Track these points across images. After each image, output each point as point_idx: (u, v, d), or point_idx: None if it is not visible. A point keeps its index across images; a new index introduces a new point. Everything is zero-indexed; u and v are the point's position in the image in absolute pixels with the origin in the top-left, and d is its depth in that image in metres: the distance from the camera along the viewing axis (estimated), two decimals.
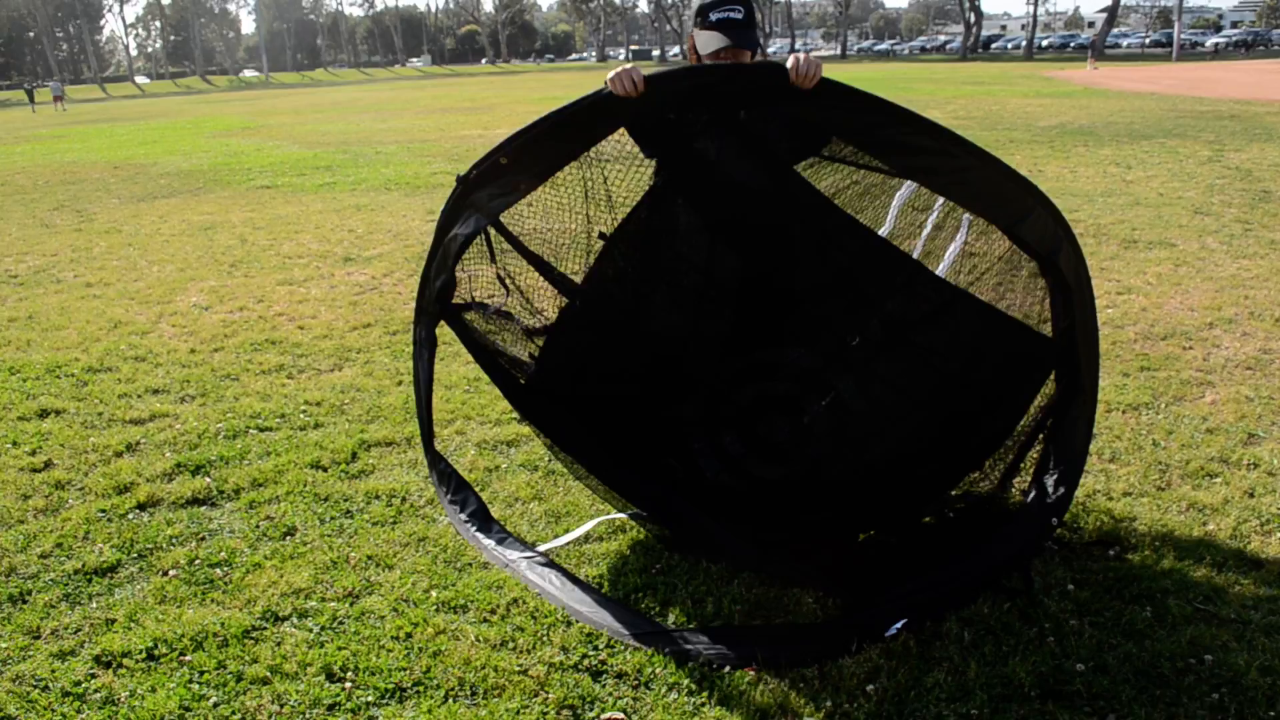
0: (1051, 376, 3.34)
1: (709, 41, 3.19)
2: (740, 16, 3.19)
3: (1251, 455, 4.06)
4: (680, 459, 3.49)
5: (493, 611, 3.11)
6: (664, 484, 3.40)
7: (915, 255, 3.43)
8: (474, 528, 3.54)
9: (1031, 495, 3.38)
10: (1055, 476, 3.34)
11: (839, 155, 3.24)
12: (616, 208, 3.43)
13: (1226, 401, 4.64)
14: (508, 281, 3.53)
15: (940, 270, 3.40)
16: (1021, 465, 3.45)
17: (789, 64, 2.88)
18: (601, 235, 3.48)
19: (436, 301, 3.47)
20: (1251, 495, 3.74)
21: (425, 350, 3.59)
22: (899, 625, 2.92)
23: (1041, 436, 3.39)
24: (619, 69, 2.99)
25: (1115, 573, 3.21)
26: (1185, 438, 4.26)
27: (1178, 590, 3.12)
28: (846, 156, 3.22)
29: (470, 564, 3.40)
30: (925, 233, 3.44)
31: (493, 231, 3.45)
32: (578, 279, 3.56)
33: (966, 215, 3.29)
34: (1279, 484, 3.82)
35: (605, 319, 3.55)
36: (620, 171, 3.41)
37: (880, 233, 3.37)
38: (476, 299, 3.52)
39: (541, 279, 3.54)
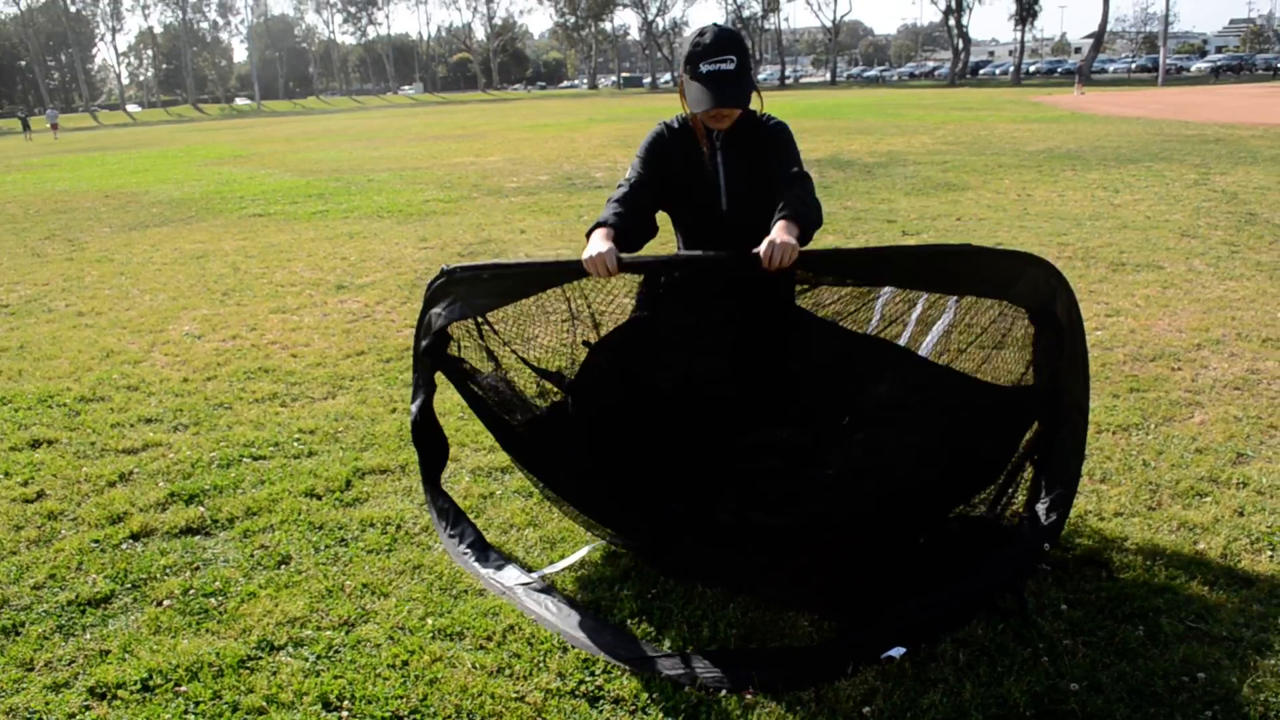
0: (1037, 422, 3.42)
1: (698, 97, 3.13)
2: (732, 68, 3.10)
3: (1241, 474, 4.09)
4: (679, 501, 3.52)
5: (489, 638, 3.11)
6: (657, 518, 3.43)
7: (903, 340, 3.45)
8: (472, 558, 3.55)
9: (1024, 520, 3.45)
10: (1047, 503, 3.41)
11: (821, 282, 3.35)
12: (601, 325, 3.46)
13: (1215, 421, 4.67)
14: (497, 359, 3.56)
15: (927, 344, 3.43)
16: (1013, 491, 3.48)
17: (762, 252, 2.94)
18: (586, 343, 3.46)
19: (427, 355, 3.51)
20: (1241, 514, 3.76)
21: (422, 393, 3.60)
22: (899, 652, 2.93)
23: (1031, 464, 3.45)
24: (595, 253, 3.00)
25: (1108, 592, 3.23)
26: (1175, 458, 4.28)
27: (1170, 609, 3.14)
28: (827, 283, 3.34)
29: (466, 591, 3.41)
30: (914, 315, 3.46)
31: (473, 323, 3.49)
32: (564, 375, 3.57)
33: (953, 299, 3.33)
34: (1268, 502, 3.85)
35: (595, 409, 3.55)
36: (602, 300, 3.44)
37: (869, 328, 3.42)
38: (469, 367, 3.54)
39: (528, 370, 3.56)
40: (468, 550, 3.60)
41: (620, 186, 3.35)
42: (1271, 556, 3.44)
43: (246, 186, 17.30)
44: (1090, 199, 11.72)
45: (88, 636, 3.24)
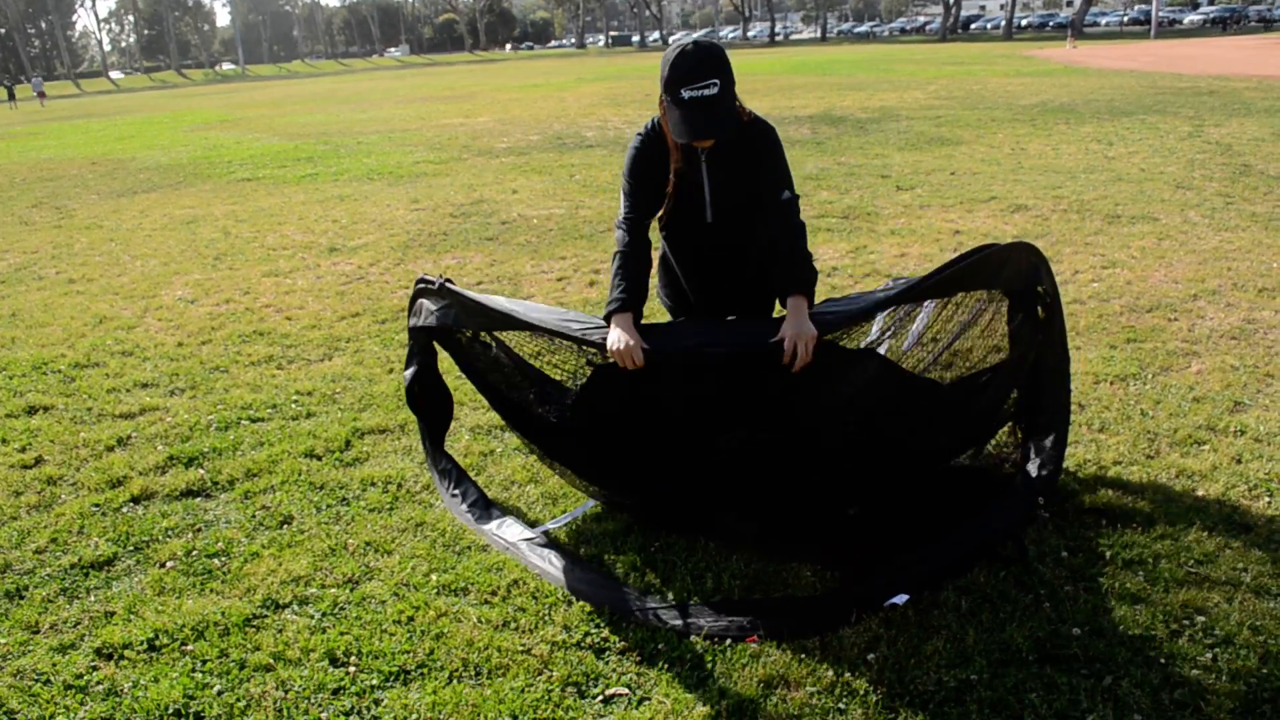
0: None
1: (680, 128, 2.97)
2: (714, 93, 2.91)
3: (1238, 422, 4.11)
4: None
5: (494, 593, 3.13)
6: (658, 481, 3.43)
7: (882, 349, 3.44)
8: (474, 517, 3.56)
9: (1019, 474, 3.53)
10: (1038, 462, 3.50)
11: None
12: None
13: (1212, 371, 4.68)
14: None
15: (907, 343, 3.47)
16: (1005, 445, 3.59)
17: (786, 346, 2.89)
18: (590, 362, 3.34)
19: (420, 332, 3.53)
20: (1239, 461, 3.78)
21: (416, 361, 3.59)
22: (902, 599, 2.95)
23: (1017, 428, 3.61)
24: (622, 346, 2.93)
25: (1108, 539, 3.25)
26: (1173, 407, 4.30)
27: (1170, 555, 3.16)
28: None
29: (469, 547, 3.41)
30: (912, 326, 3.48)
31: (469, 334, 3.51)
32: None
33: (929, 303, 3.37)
34: (1265, 449, 3.86)
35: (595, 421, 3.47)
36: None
37: (867, 341, 3.40)
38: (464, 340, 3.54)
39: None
40: (470, 509, 3.60)
41: (619, 227, 3.21)
42: (1269, 502, 3.47)
43: (234, 151, 17.14)
44: (1084, 152, 11.67)
45: (92, 599, 3.25)
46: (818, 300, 3.14)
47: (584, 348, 3.16)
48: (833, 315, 3.06)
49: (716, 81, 2.91)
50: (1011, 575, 3.06)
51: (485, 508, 3.61)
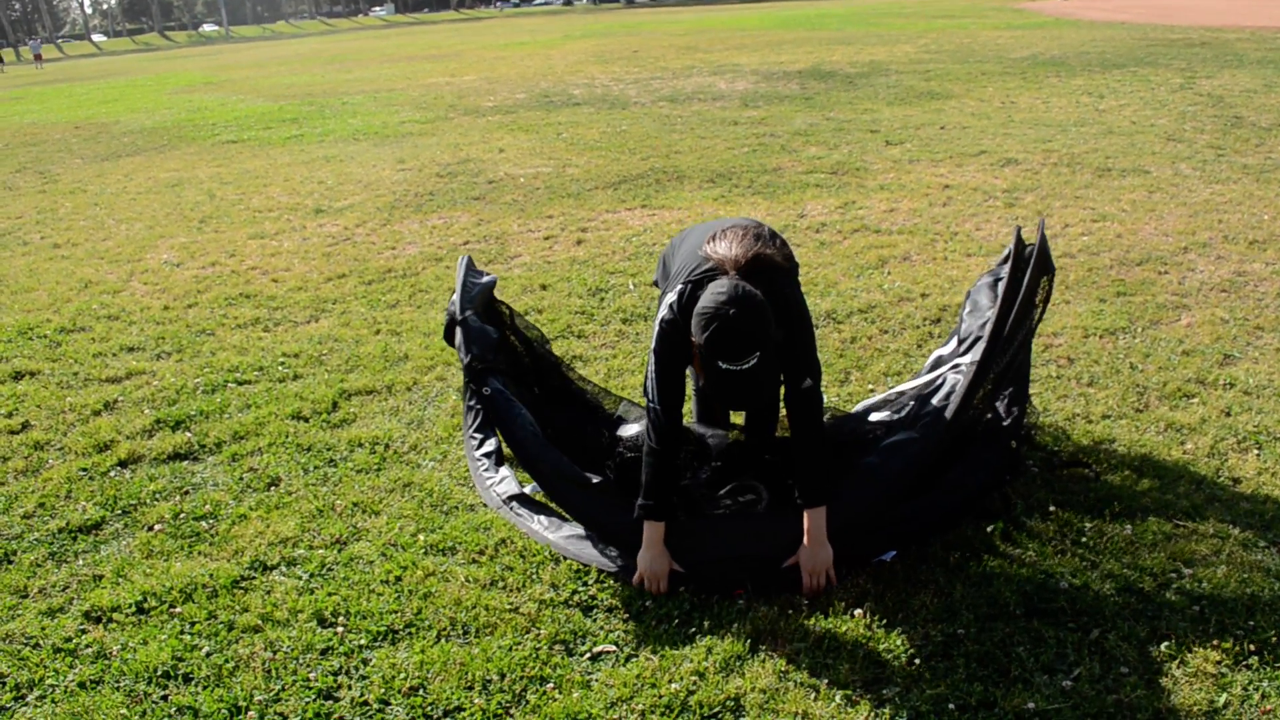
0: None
1: (714, 391, 2.74)
2: (753, 365, 2.63)
3: (1228, 375, 4.10)
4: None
5: (481, 552, 3.12)
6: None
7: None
8: (483, 466, 3.52)
9: (990, 419, 3.41)
10: (1005, 401, 3.38)
11: None
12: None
13: (1202, 324, 4.67)
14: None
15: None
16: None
17: (805, 581, 2.84)
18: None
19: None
20: (1228, 414, 3.78)
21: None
22: (890, 555, 2.95)
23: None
24: (651, 572, 2.89)
25: (1096, 493, 3.25)
26: (1162, 360, 4.29)
27: (1158, 508, 3.16)
28: None
29: (457, 507, 3.41)
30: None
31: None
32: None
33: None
34: (1255, 402, 3.86)
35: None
36: None
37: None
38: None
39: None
40: (483, 458, 3.55)
41: (655, 416, 2.95)
42: (1259, 455, 3.47)
43: (218, 113, 16.94)
44: (1075, 105, 11.59)
45: (80, 563, 3.24)
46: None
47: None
48: (864, 501, 3.00)
49: (758, 354, 2.64)
50: (999, 529, 3.06)
51: (498, 462, 3.54)
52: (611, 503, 3.10)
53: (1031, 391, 3.99)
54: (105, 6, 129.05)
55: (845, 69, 17.20)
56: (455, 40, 39.83)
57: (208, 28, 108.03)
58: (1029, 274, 3.10)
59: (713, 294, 2.67)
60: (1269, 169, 7.74)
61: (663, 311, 2.92)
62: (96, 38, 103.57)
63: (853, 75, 16.15)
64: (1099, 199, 7.08)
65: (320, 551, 3.19)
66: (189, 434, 4.13)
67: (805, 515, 2.86)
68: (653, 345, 2.97)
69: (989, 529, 3.06)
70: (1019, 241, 3.33)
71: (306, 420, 4.19)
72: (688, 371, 3.27)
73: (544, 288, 5.77)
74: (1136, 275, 5.40)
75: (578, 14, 72.62)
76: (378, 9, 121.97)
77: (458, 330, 3.48)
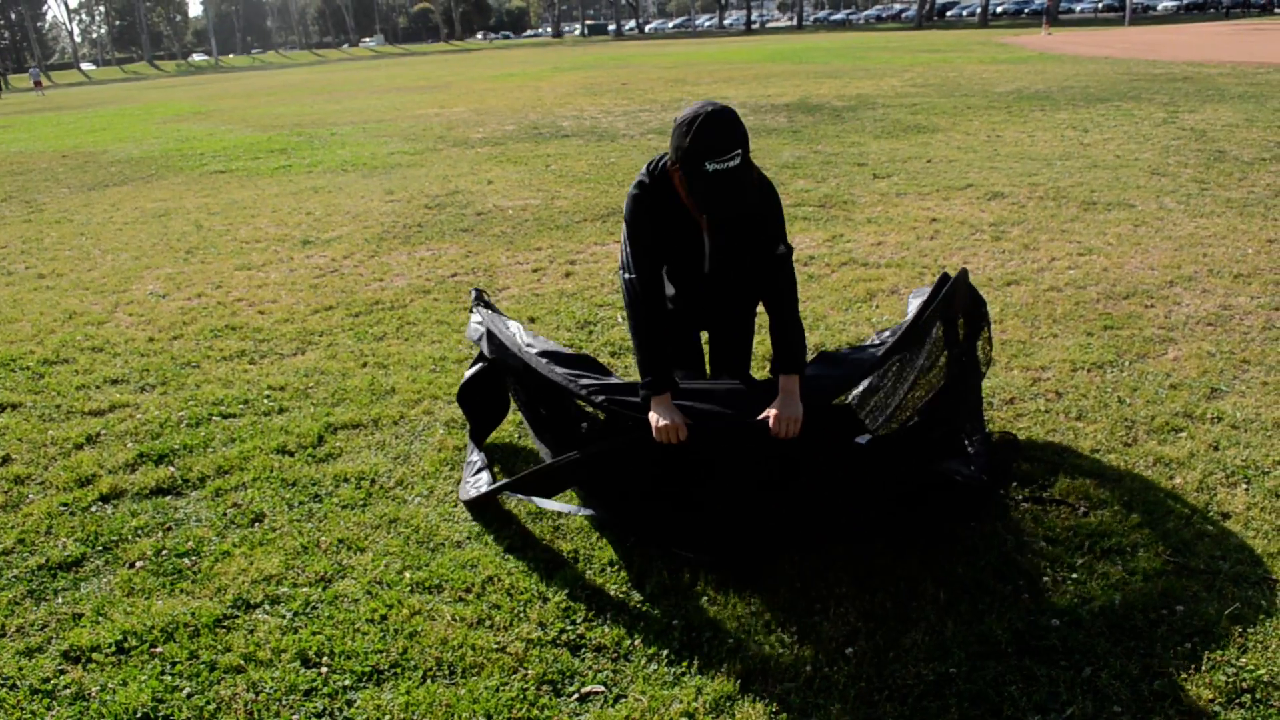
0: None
1: (705, 202, 2.90)
2: (738, 163, 2.83)
3: (1215, 409, 4.11)
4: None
5: (468, 590, 3.09)
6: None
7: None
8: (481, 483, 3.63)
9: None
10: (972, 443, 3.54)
11: None
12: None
13: (1189, 357, 4.69)
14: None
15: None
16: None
17: (773, 426, 3.01)
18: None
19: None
20: (1216, 448, 3.78)
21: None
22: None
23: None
24: (665, 424, 3.02)
25: (1087, 529, 3.24)
26: (1150, 394, 4.30)
27: (1148, 543, 3.15)
28: None
29: (444, 543, 3.37)
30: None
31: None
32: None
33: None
34: (1242, 436, 3.87)
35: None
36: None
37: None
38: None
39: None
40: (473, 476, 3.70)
41: (631, 279, 3.18)
42: (1247, 489, 3.47)
43: (206, 143, 16.95)
44: (1060, 139, 11.70)
45: (59, 600, 3.18)
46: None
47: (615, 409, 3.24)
48: (828, 380, 3.22)
49: (739, 152, 2.83)
50: (990, 565, 3.04)
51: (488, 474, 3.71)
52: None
53: (1020, 425, 4.02)
54: (95, 35, 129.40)
55: (833, 102, 17.34)
56: (445, 71, 40.05)
57: (197, 57, 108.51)
58: (929, 313, 3.28)
59: (687, 110, 2.94)
60: (1252, 203, 7.81)
61: (634, 183, 3.17)
62: (85, 66, 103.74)
63: (840, 109, 16.27)
64: (1085, 233, 7.12)
65: (304, 589, 3.14)
66: (172, 468, 4.08)
67: (780, 379, 3.10)
68: (625, 218, 3.20)
69: (980, 564, 3.05)
70: (942, 283, 3.40)
71: (291, 455, 4.15)
72: None
73: (532, 320, 5.75)
74: (1123, 309, 5.42)
75: (567, 46, 73.16)
76: (368, 40, 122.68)
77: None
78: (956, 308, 3.44)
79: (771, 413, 3.03)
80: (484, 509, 3.57)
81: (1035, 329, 5.16)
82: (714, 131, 2.82)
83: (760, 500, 3.22)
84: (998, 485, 3.47)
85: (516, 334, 3.61)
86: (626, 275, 3.19)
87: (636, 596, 3.02)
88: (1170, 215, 7.53)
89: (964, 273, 3.51)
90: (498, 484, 3.50)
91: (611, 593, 3.04)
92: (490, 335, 3.71)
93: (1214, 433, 3.91)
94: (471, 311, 3.98)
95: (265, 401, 4.75)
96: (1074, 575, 2.99)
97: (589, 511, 3.47)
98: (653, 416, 3.05)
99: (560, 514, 3.51)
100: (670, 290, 3.49)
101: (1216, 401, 4.21)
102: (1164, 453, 3.75)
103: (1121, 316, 5.29)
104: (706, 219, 3.13)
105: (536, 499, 3.54)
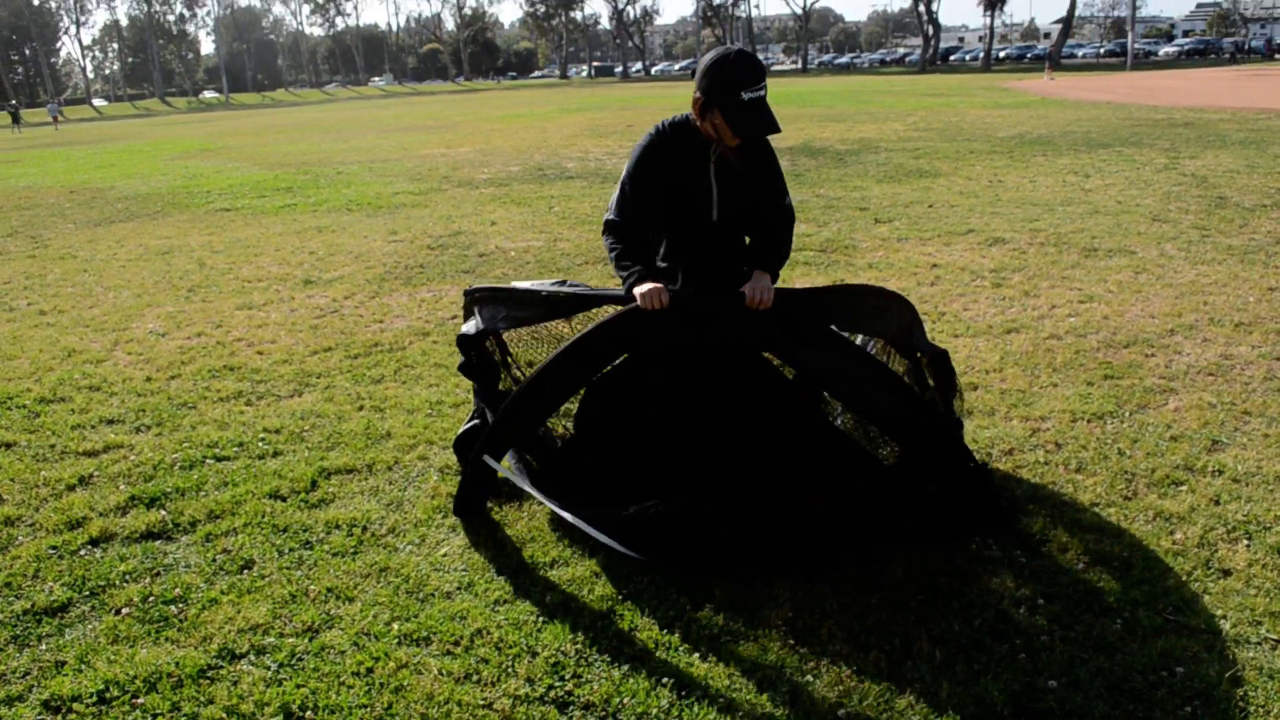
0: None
1: (748, 125, 3.29)
2: (765, 93, 3.30)
3: (1216, 462, 4.07)
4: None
5: (456, 643, 3.04)
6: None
7: None
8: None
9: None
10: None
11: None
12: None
13: (1190, 408, 4.65)
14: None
15: None
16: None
17: (749, 296, 3.33)
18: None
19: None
20: (1217, 503, 3.74)
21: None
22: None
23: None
24: (649, 288, 3.30)
25: (1085, 585, 3.19)
26: (1150, 446, 4.26)
27: (1148, 601, 3.10)
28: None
29: (433, 594, 3.33)
30: None
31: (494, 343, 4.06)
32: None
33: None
34: (1244, 490, 3.82)
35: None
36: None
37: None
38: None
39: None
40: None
41: (614, 228, 3.57)
42: (1249, 545, 3.42)
43: (213, 181, 17.06)
44: (1061, 184, 11.73)
45: (43, 647, 3.14)
46: None
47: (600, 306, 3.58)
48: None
49: (765, 84, 3.29)
50: (986, 622, 3.00)
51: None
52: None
53: (1021, 476, 3.98)
54: (107, 71, 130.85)
55: (835, 146, 17.44)
56: (453, 111, 40.40)
57: (208, 94, 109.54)
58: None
59: (709, 54, 3.38)
60: (1253, 250, 7.81)
61: (650, 131, 3.49)
62: (97, 102, 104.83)
63: (843, 152, 16.36)
64: (1086, 279, 7.12)
65: (291, 640, 3.10)
66: (163, 512, 4.05)
67: (754, 273, 3.45)
68: (631, 162, 3.50)
69: (976, 623, 3.00)
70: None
71: (284, 499, 4.11)
72: None
73: (530, 364, 5.73)
74: (1123, 358, 5.39)
75: (574, 87, 73.82)
76: (377, 79, 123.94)
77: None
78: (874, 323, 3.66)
79: (746, 289, 3.34)
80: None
81: (1035, 378, 5.13)
82: (746, 65, 3.25)
83: (741, 483, 3.54)
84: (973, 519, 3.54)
85: (518, 284, 3.88)
86: (609, 217, 3.56)
87: (627, 651, 2.97)
88: (1171, 262, 7.53)
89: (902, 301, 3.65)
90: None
91: (601, 648, 2.99)
92: (479, 305, 3.88)
93: (1215, 486, 3.87)
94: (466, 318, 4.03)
95: (260, 444, 4.72)
96: (1072, 634, 2.94)
97: (570, 516, 3.51)
98: (637, 291, 3.31)
99: (559, 526, 3.47)
100: (663, 250, 3.69)
101: (1218, 454, 4.17)
102: (1164, 507, 3.71)
103: (1122, 366, 5.26)
104: (716, 169, 3.44)
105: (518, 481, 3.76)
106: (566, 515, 3.48)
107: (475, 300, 3.92)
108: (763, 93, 3.27)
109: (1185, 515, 3.64)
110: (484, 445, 3.67)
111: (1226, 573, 3.27)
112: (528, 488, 3.72)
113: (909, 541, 3.45)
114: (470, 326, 3.86)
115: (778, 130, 3.32)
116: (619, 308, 3.43)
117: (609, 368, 3.67)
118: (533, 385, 3.54)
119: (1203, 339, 5.67)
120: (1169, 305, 6.35)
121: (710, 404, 3.70)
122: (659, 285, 3.31)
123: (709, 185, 3.46)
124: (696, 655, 2.94)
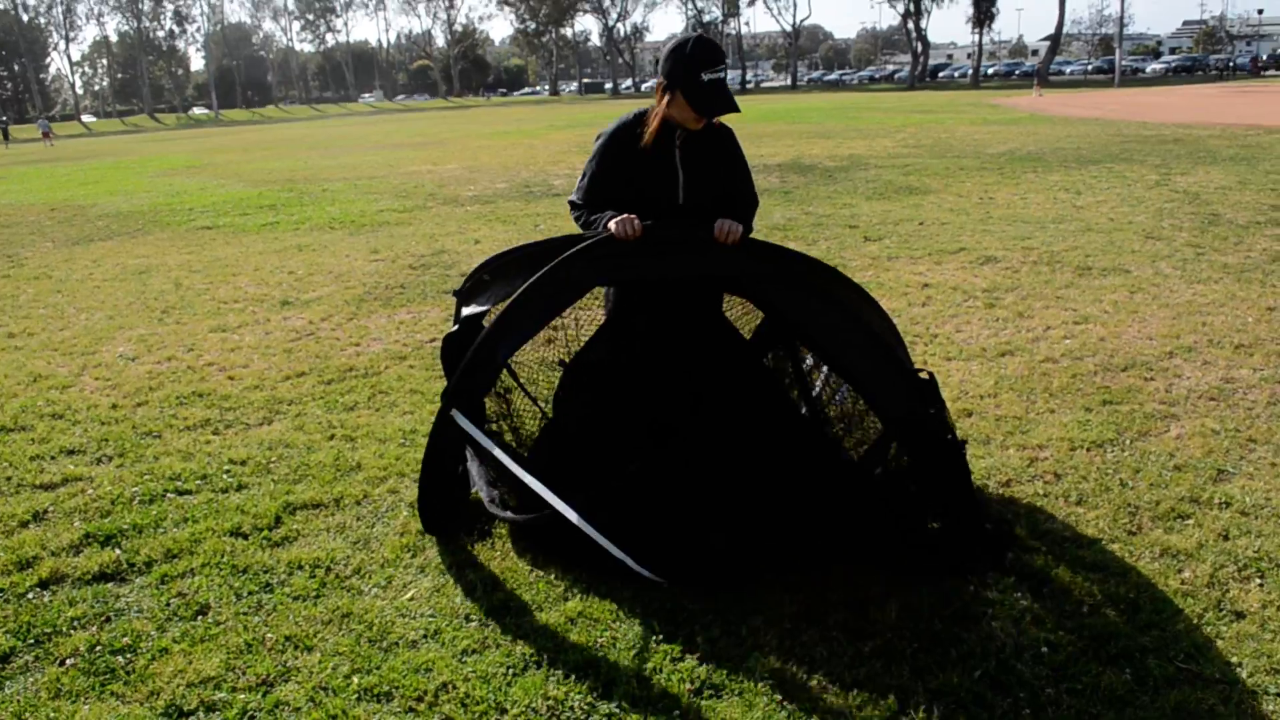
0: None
1: (705, 104, 3.37)
2: (724, 75, 3.40)
3: (1223, 493, 3.89)
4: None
5: (419, 699, 2.83)
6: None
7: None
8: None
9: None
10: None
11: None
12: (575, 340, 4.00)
13: (1192, 435, 4.48)
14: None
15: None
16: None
17: (717, 231, 3.36)
18: (561, 363, 4.02)
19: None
20: (1226, 538, 3.56)
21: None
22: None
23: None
24: (624, 216, 3.35)
25: (1091, 630, 3.01)
26: (1153, 476, 4.08)
27: (1157, 648, 2.92)
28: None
29: (397, 643, 3.12)
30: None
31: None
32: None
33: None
34: (1253, 524, 3.65)
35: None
36: (582, 308, 3.94)
37: None
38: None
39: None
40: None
41: (576, 204, 3.65)
42: (1261, 585, 3.24)
43: (197, 198, 16.85)
44: (1053, 201, 11.60)
45: None
46: None
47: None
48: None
49: (724, 66, 3.39)
50: (988, 675, 2.80)
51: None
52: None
53: (1019, 511, 3.80)
54: (97, 88, 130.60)
55: (825, 163, 17.32)
56: (442, 128, 40.28)
57: (198, 110, 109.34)
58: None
59: (672, 40, 3.46)
60: (1249, 268, 7.67)
61: (614, 122, 3.58)
62: (86, 118, 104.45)
63: (832, 169, 16.24)
64: (1080, 299, 6.96)
65: (243, 695, 2.89)
66: (118, 550, 3.83)
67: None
68: (596, 148, 3.58)
69: (977, 674, 2.81)
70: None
71: (245, 537, 3.90)
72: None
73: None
74: (1122, 382, 5.22)
75: (564, 104, 73.87)
76: (367, 95, 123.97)
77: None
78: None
79: (715, 223, 3.37)
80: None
81: (1031, 403, 4.96)
82: (705, 47, 3.36)
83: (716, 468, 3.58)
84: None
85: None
86: (572, 199, 3.65)
87: (603, 708, 2.77)
88: (1167, 281, 7.37)
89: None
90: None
91: (576, 703, 2.79)
92: (467, 298, 3.97)
93: (1223, 520, 3.69)
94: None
95: (224, 477, 4.51)
96: (1079, 686, 2.75)
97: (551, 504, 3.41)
98: (612, 222, 3.36)
99: (535, 565, 3.27)
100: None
101: (1224, 484, 3.99)
102: (1171, 542, 3.52)
103: (1121, 390, 5.09)
104: (681, 154, 3.51)
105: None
106: (549, 496, 3.42)
107: (464, 295, 4.01)
108: (722, 74, 3.37)
109: (1193, 552, 3.46)
110: (452, 397, 3.52)
111: (1239, 615, 3.08)
112: (502, 457, 3.59)
113: (893, 564, 3.38)
114: (466, 312, 3.89)
115: (736, 109, 3.40)
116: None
117: (580, 346, 3.83)
118: (500, 324, 3.45)
119: (1203, 361, 5.50)
120: (1166, 326, 6.19)
121: (680, 388, 3.76)
122: (632, 215, 3.36)
123: (674, 170, 3.52)
124: (677, 712, 2.74)
